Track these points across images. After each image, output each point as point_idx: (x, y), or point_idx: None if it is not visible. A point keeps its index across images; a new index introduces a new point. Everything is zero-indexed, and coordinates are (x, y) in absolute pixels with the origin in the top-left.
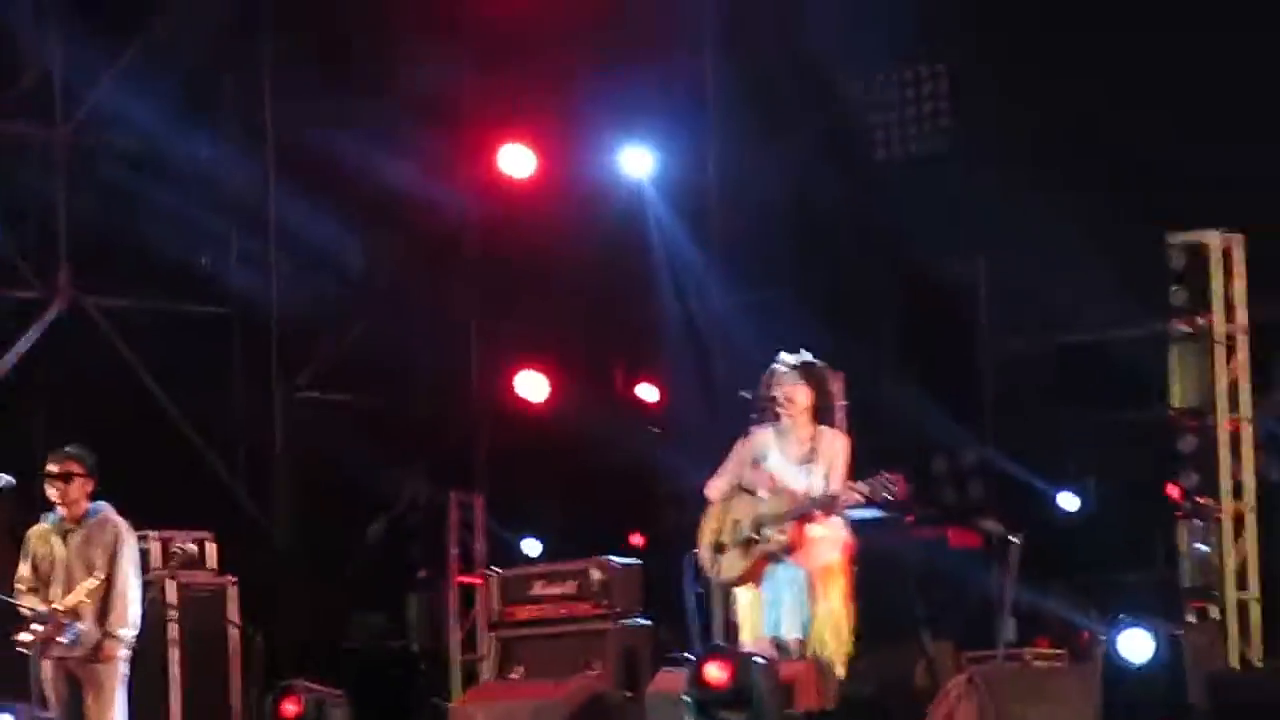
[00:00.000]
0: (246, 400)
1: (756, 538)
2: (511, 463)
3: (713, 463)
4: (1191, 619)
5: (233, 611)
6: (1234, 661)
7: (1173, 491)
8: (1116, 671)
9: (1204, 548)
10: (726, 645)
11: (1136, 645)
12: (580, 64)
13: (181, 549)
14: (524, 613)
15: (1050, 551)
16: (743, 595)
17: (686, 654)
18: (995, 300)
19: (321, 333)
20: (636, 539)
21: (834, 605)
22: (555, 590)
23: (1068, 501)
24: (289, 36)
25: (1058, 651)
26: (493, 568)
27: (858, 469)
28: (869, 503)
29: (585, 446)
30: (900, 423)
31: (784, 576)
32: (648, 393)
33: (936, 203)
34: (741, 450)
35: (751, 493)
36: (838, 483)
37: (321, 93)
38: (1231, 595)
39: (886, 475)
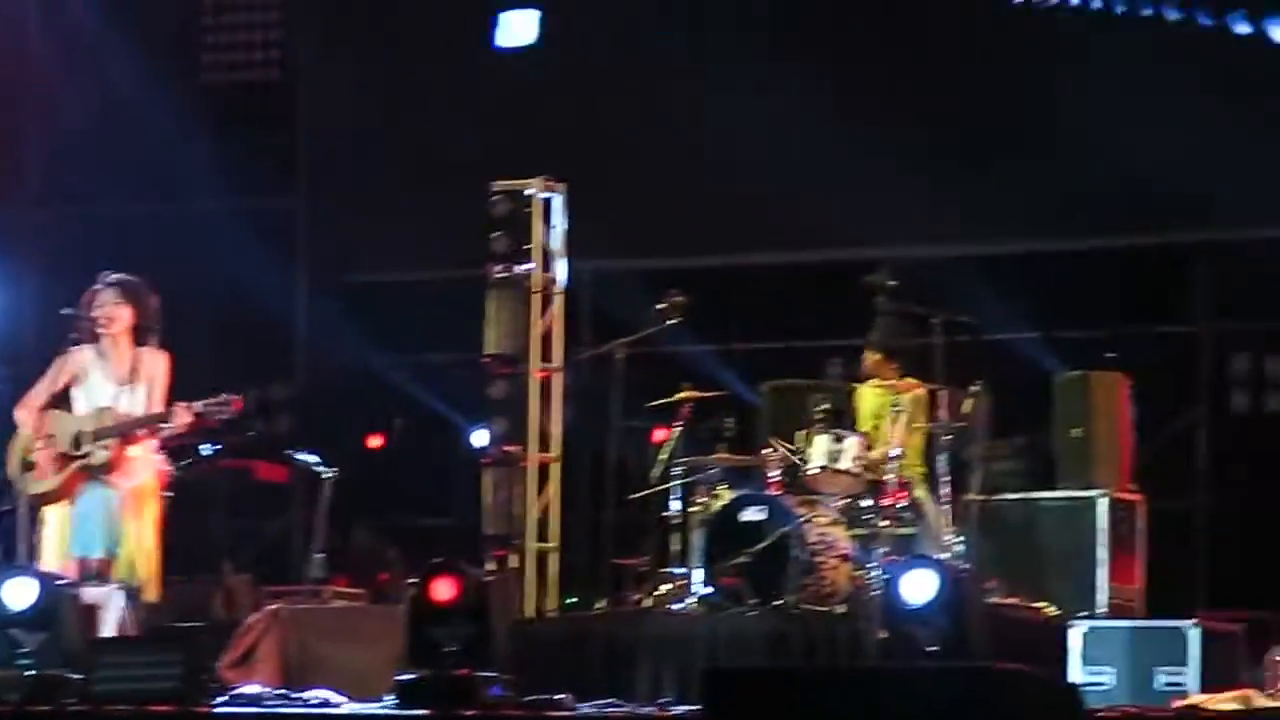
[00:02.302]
0: None
1: (75, 453)
2: None
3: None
4: (491, 566)
5: None
6: (530, 610)
7: (481, 438)
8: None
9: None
10: (28, 566)
11: None
12: None
13: None
14: None
15: (355, 491)
16: (51, 514)
17: None
18: (317, 236)
19: None
20: None
21: (145, 527)
22: None
23: (374, 441)
24: None
25: (358, 591)
26: None
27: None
28: (199, 423)
29: None
30: (208, 354)
31: (97, 495)
32: None
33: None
34: (58, 369)
35: (68, 410)
36: (159, 403)
37: None
38: (532, 544)
39: (226, 395)
